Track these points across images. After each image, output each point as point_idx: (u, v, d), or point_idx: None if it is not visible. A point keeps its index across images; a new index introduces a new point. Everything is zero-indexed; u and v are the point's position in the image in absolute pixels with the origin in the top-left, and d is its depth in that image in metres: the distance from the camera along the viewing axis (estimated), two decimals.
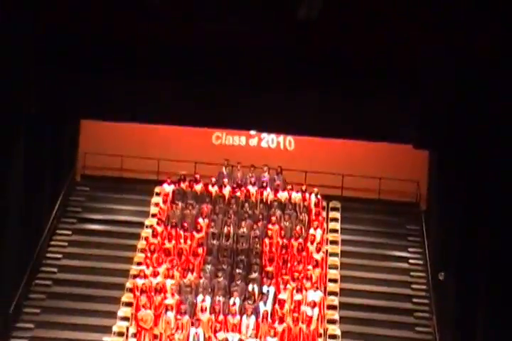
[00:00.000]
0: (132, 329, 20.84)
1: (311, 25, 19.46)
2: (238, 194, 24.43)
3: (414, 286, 23.07)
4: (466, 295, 20.02)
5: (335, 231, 24.39)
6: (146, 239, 23.12)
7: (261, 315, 20.75)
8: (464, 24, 18.24)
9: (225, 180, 24.67)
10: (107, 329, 20.86)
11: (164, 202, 24.07)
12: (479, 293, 19.45)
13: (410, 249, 23.97)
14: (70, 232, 23.93)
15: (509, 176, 18.69)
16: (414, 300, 22.65)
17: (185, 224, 23.03)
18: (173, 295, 21.11)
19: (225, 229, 23.17)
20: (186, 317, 20.49)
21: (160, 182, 24.60)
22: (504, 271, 18.80)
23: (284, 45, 20.17)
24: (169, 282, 21.47)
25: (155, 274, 21.57)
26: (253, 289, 21.57)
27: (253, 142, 26.30)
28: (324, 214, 24.50)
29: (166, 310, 20.70)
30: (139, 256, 22.93)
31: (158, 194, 24.58)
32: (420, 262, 23.54)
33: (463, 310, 19.94)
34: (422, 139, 21.72)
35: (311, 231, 23.48)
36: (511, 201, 18.75)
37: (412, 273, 23.39)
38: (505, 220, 18.98)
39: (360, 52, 20.35)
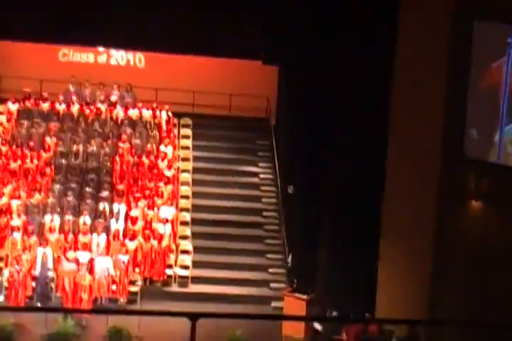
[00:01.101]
0: None
1: None
2: (87, 112, 23.64)
3: (264, 200, 23.11)
4: (312, 208, 20.20)
5: (186, 148, 24.05)
6: None
7: (112, 233, 20.40)
8: None
9: (73, 98, 23.79)
10: None
11: (8, 121, 23.13)
12: (324, 205, 19.69)
13: (260, 164, 23.92)
14: None
15: (352, 94, 18.80)
16: (265, 213, 22.71)
17: (32, 144, 22.31)
18: (19, 215, 20.49)
19: (74, 148, 22.59)
20: (34, 238, 19.95)
21: (3, 101, 23.57)
22: (346, 184, 19.08)
23: None
24: (15, 202, 20.77)
25: None
26: (104, 207, 21.18)
27: (102, 59, 25.44)
28: (175, 131, 24.10)
29: (12, 231, 20.09)
30: None
31: (1, 113, 23.54)
32: (270, 176, 23.56)
33: (309, 221, 20.14)
34: (270, 55, 21.58)
35: (162, 148, 23.11)
36: (354, 117, 18.93)
37: (262, 188, 23.40)
38: (346, 135, 19.23)
39: None
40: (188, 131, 24.44)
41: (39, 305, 19.10)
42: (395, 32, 18.20)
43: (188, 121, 24.57)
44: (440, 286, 17.99)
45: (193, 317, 7.65)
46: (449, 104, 17.79)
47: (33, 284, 19.27)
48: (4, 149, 22.11)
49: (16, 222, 20.31)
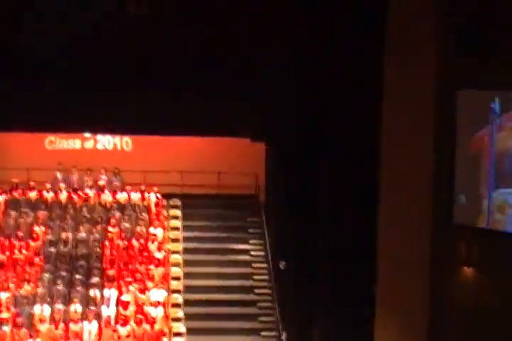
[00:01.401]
0: None
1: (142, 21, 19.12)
2: (75, 198, 23.68)
3: (256, 277, 22.84)
4: (305, 284, 19.93)
5: (176, 229, 23.90)
6: None
7: (103, 320, 20.19)
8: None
9: (61, 185, 23.84)
10: None
11: None
12: (318, 281, 19.43)
13: (251, 241, 23.75)
14: None
15: (341, 165, 18.81)
16: (257, 291, 22.42)
17: (20, 234, 22.11)
18: (8, 308, 20.05)
19: (63, 235, 22.48)
20: (23, 330, 19.45)
21: None
22: (338, 255, 18.87)
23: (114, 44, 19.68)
24: (4, 295, 20.38)
25: None
26: (94, 294, 20.96)
27: (88, 145, 25.57)
28: (165, 212, 24.03)
29: (1, 324, 19.55)
30: None
31: None
32: (261, 253, 23.36)
33: (303, 298, 19.84)
34: (259, 133, 21.66)
35: (152, 230, 22.96)
36: (342, 189, 18.88)
37: (253, 265, 23.17)
38: (337, 207, 19.11)
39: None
40: (178, 212, 24.35)
41: None
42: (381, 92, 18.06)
43: (177, 202, 24.52)
44: None
45: None
46: (437, 171, 17.71)
47: None
48: None
49: (5, 314, 19.85)
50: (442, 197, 17.59)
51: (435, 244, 17.74)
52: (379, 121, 18.08)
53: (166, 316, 20.82)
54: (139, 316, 20.23)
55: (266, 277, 22.78)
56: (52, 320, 20.02)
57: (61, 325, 19.83)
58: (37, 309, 20.28)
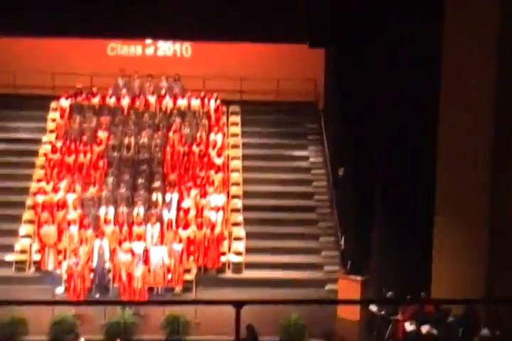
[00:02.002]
0: (36, 246, 20.52)
1: None
2: (137, 104, 23.73)
3: (315, 184, 22.95)
4: (363, 189, 19.93)
5: (235, 135, 23.98)
6: (45, 155, 22.59)
7: (165, 223, 20.45)
8: None
9: (123, 91, 23.90)
10: (8, 248, 20.48)
11: (61, 117, 23.51)
12: (376, 185, 19.41)
13: (310, 148, 23.78)
14: None
15: (403, 72, 18.46)
16: (316, 197, 22.59)
17: (85, 138, 22.56)
18: (75, 209, 20.75)
19: (126, 140, 22.72)
20: (90, 231, 20.12)
21: (56, 97, 23.94)
22: (398, 163, 18.78)
23: None
24: (71, 197, 21.04)
25: (56, 190, 21.15)
26: (156, 198, 21.27)
27: (149, 51, 25.48)
28: (224, 118, 24.05)
29: (69, 224, 20.31)
30: (38, 173, 22.40)
31: (54, 109, 24.00)
32: (320, 160, 23.36)
33: (361, 202, 19.89)
34: (317, 37, 21.29)
35: (212, 136, 23.09)
36: (402, 97, 18.60)
37: (312, 172, 23.20)
38: (397, 115, 18.88)
39: None
40: (237, 118, 24.36)
41: (98, 296, 19.31)
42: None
43: (237, 108, 24.48)
44: (497, 263, 17.72)
45: (237, 304, 7.59)
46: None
47: (91, 276, 19.50)
48: (59, 145, 22.52)
49: (72, 215, 20.54)
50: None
51: (498, 151, 17.49)
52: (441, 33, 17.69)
53: (226, 220, 21.13)
54: (200, 220, 20.58)
55: (324, 183, 22.87)
56: (116, 221, 20.53)
57: (125, 227, 20.32)
58: (102, 211, 20.79)
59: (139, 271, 19.00)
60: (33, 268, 20.34)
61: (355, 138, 20.57)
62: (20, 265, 20.26)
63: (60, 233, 20.28)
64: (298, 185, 22.80)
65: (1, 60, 24.16)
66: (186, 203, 21.01)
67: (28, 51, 24.23)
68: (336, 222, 21.71)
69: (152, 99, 23.87)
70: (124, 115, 23.46)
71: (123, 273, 19.20)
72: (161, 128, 23.05)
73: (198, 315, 17.78)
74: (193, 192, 21.37)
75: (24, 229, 20.99)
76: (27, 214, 21.31)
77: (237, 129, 24.11)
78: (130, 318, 17.77)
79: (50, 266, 20.04)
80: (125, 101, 23.83)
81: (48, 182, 21.39)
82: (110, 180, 21.60)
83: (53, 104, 24.06)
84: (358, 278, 18.85)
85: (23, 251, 20.48)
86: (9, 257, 20.34)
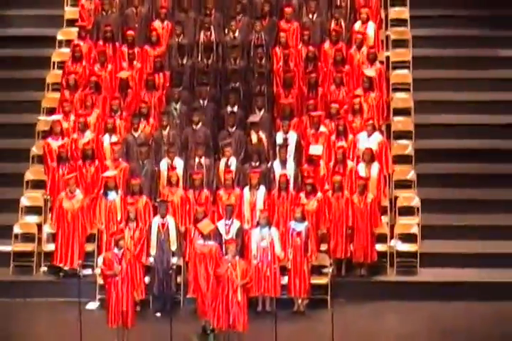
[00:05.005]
0: (48, 228, 20.87)
1: None
2: None
3: None
4: None
5: (401, 22, 24.48)
6: (64, 65, 23.15)
7: (277, 184, 20.59)
8: None
9: None
10: (3, 232, 21.02)
11: None
12: None
13: None
14: None
15: None
16: None
17: (130, 33, 22.99)
18: (115, 161, 20.99)
19: (201, 35, 23.14)
20: (143, 199, 20.34)
21: None
22: None
23: None
24: (108, 139, 21.35)
25: (81, 127, 21.48)
26: (259, 138, 21.47)
27: None
28: None
29: (106, 188, 20.47)
30: (49, 97, 23.06)
31: None
32: None
33: None
34: None
35: (357, 26, 23.27)
36: None
37: None
38: None
39: None
40: None
41: (158, 315, 19.56)
42: None
43: None
44: None
45: None
46: None
47: (147, 280, 19.72)
48: (85, 47, 22.97)
49: (111, 172, 20.70)
50: None
51: None
52: None
53: (385, 178, 21.11)
54: (338, 178, 20.45)
55: None
56: (190, 182, 20.71)
57: (205, 192, 20.49)
58: (164, 164, 20.90)
59: (231, 269, 18.56)
60: (43, 268, 20.69)
61: None
62: (22, 261, 20.73)
63: (90, 204, 20.60)
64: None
65: None
66: (314, 148, 21.03)
67: None
68: None
69: None
70: None
71: (202, 274, 19.20)
72: (265, 13, 23.24)
73: None
74: (325, 127, 21.46)
75: (28, 197, 21.49)
76: (31, 172, 21.85)
77: (404, 12, 24.61)
78: None
79: (74, 262, 20.33)
80: None
81: (66, 115, 21.72)
82: (176, 108, 21.82)
83: None
84: None
85: (26, 237, 20.86)
86: (3, 248, 20.82)
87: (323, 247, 20.32)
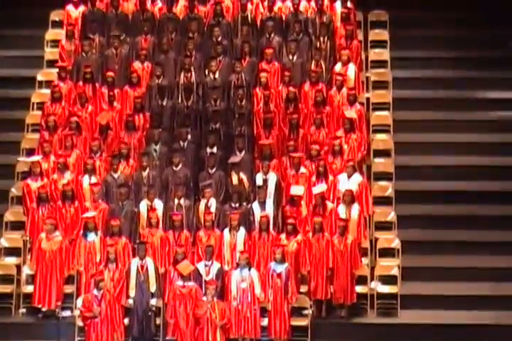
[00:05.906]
0: (28, 269, 20.79)
1: None
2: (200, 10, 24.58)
3: None
4: None
5: (381, 64, 24.63)
6: (43, 106, 23.11)
7: (257, 225, 20.66)
8: None
9: None
10: None
11: (69, 36, 24.12)
12: None
13: None
14: None
15: None
16: None
17: (110, 74, 23.05)
18: (94, 202, 20.88)
19: (181, 77, 23.17)
20: (122, 240, 20.32)
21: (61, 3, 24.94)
22: None
23: None
24: (87, 180, 21.26)
25: (61, 168, 21.42)
26: (239, 180, 21.42)
27: None
28: (360, 35, 24.57)
29: (85, 229, 20.36)
30: (29, 138, 23.10)
31: (57, 23, 25.02)
32: None
33: None
34: None
35: (338, 67, 23.32)
36: None
37: None
38: None
39: None
40: (383, 34, 25.21)
41: None
42: None
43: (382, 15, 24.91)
44: None
45: None
46: None
47: (126, 321, 19.59)
48: (65, 87, 22.91)
49: (91, 213, 20.58)
50: None
51: None
52: None
53: (365, 219, 21.16)
54: (318, 219, 20.33)
55: None
56: (170, 223, 20.64)
57: (185, 233, 20.39)
58: (143, 205, 20.83)
59: (210, 310, 19.03)
60: (22, 309, 20.65)
61: None
62: (0, 303, 20.71)
63: (69, 245, 20.49)
64: (495, 154, 23.09)
65: None
66: (296, 189, 20.94)
67: None
68: None
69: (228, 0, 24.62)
70: (179, 30, 23.92)
71: (182, 314, 19.31)
72: (246, 54, 23.34)
73: None
74: (305, 168, 21.51)
75: (7, 239, 21.52)
76: (11, 213, 21.89)
77: (384, 53, 24.75)
78: None
79: (52, 303, 20.22)
80: (179, 5, 24.49)
81: (46, 156, 21.70)
82: (156, 149, 21.74)
83: (54, 15, 24.93)
84: None
85: (5, 279, 20.91)
86: None
87: (303, 289, 20.33)
